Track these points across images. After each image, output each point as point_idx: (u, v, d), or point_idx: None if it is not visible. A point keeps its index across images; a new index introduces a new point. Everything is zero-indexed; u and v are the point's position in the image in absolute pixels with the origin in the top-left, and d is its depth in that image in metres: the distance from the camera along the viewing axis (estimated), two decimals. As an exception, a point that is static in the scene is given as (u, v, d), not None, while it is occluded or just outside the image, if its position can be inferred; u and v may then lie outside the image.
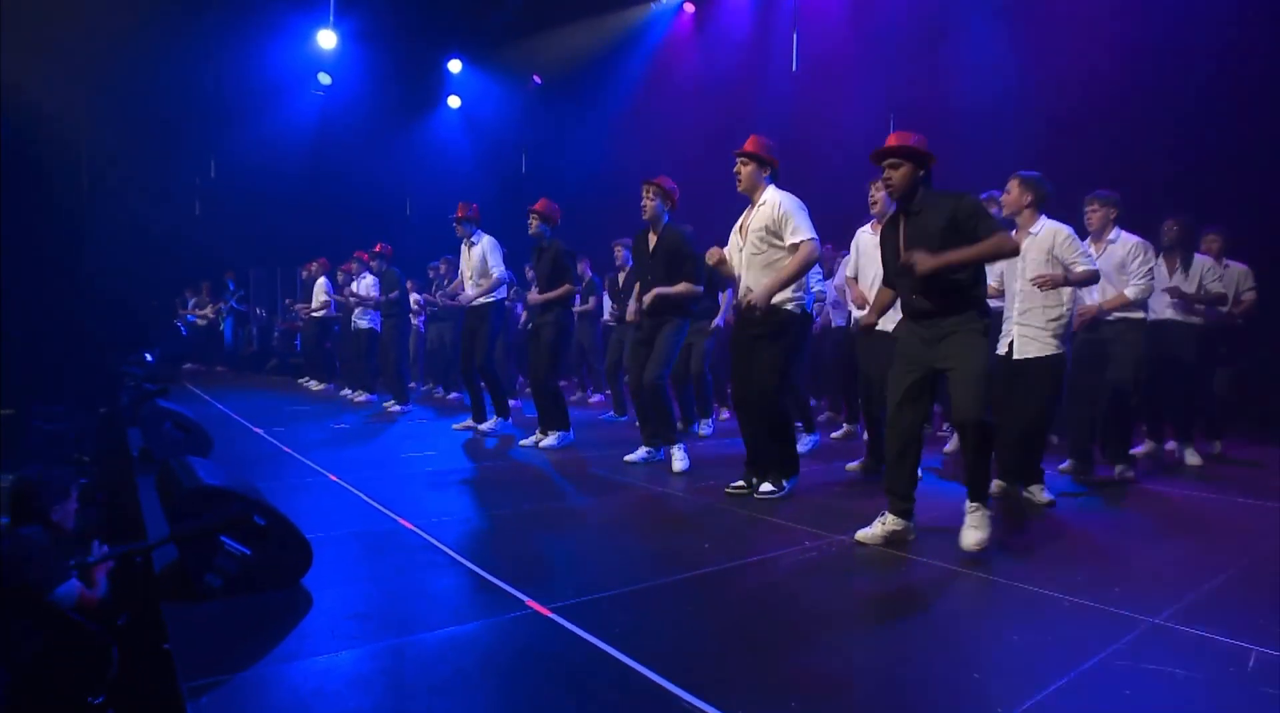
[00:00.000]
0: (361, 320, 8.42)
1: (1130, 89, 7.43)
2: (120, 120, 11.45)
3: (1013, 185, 3.88)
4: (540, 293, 5.47)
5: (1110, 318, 4.41)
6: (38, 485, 2.64)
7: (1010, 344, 3.87)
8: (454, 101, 14.45)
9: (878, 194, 4.64)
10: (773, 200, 3.78)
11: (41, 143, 9.24)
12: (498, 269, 5.86)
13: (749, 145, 3.90)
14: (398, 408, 7.60)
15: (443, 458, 5.08)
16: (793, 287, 3.77)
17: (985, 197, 5.11)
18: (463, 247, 6.09)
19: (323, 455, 4.98)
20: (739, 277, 3.93)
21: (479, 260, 5.91)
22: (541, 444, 5.35)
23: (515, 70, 14.06)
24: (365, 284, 8.36)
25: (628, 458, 4.86)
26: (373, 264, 8.14)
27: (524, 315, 8.80)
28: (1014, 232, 3.87)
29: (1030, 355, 3.81)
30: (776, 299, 3.75)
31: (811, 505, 3.76)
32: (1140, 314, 4.43)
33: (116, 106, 11.34)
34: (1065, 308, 3.82)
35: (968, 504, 3.04)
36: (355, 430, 6.37)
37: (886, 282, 3.38)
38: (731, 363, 4.11)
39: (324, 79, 12.59)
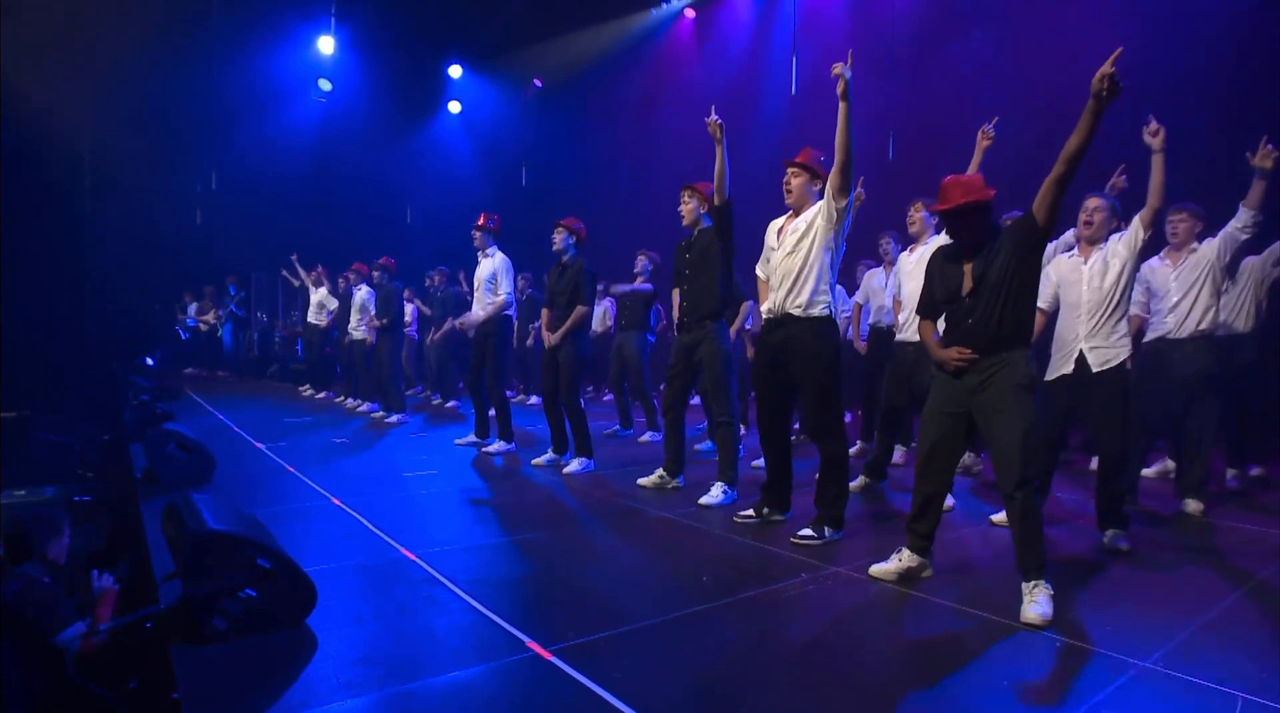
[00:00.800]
0: (357, 331, 8.50)
1: (1128, 94, 7.46)
2: (122, 126, 11.47)
3: (1092, 204, 3.74)
4: (553, 311, 5.40)
5: (1180, 337, 4.32)
6: (31, 526, 2.70)
7: (1077, 361, 3.69)
8: (454, 107, 14.48)
9: (916, 214, 4.68)
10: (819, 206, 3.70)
11: (43, 147, 9.27)
12: (504, 289, 5.90)
13: (802, 157, 3.81)
14: (395, 419, 7.65)
15: (444, 478, 5.12)
16: (824, 292, 3.68)
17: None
18: (479, 257, 6.14)
19: (324, 475, 5.03)
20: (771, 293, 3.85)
21: (488, 276, 5.95)
22: (565, 470, 5.27)
23: (516, 75, 14.09)
24: (360, 296, 8.42)
25: (641, 481, 4.85)
26: (374, 275, 8.18)
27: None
28: (1075, 250, 3.82)
29: (1103, 366, 3.63)
30: (802, 303, 3.66)
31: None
32: (1210, 328, 4.32)
33: (119, 112, 11.36)
34: (1127, 322, 3.73)
35: (1024, 584, 2.78)
36: (355, 445, 6.42)
37: (928, 311, 3.20)
38: (755, 384, 3.98)
39: (324, 85, 12.61)
